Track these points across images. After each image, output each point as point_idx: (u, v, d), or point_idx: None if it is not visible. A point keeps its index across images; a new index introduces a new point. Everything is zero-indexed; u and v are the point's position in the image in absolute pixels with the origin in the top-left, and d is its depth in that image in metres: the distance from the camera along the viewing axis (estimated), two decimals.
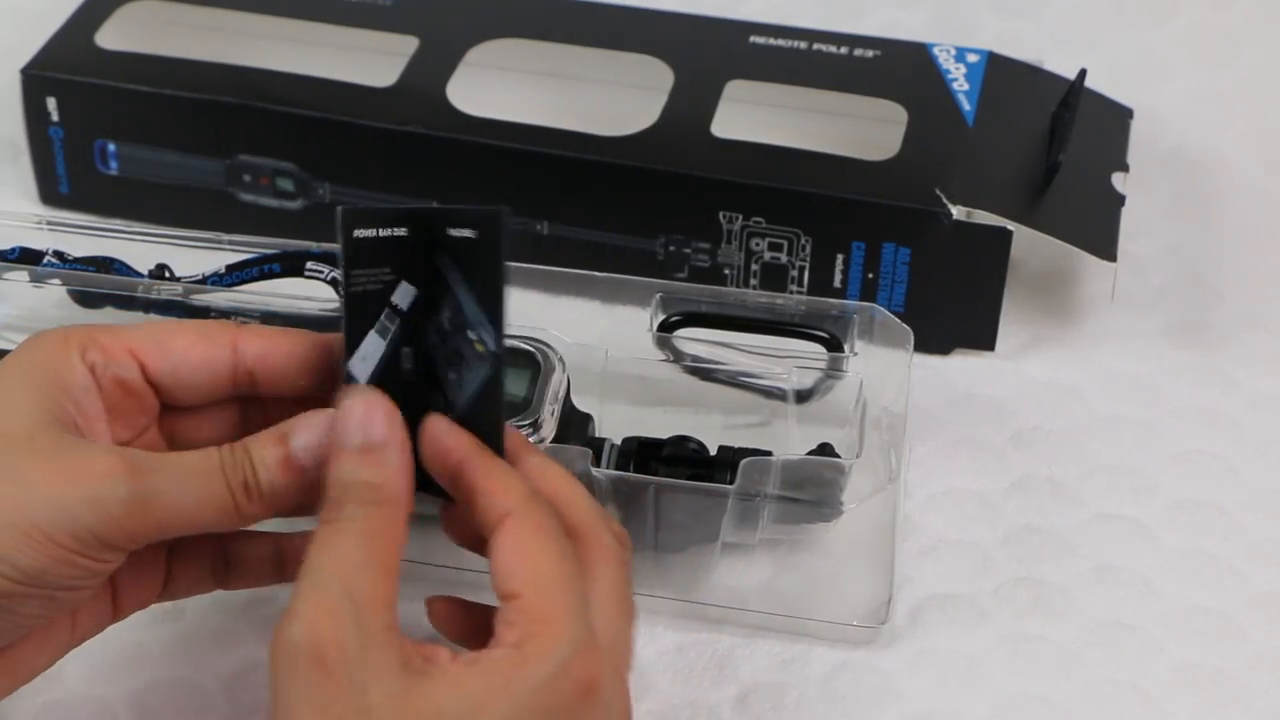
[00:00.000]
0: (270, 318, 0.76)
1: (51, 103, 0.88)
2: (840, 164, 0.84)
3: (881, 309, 0.76)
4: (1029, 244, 0.83)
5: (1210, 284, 0.88)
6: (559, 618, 0.56)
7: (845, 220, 0.83)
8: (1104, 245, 0.83)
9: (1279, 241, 0.90)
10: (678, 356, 0.77)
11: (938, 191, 0.81)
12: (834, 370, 0.76)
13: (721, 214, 0.83)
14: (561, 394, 0.72)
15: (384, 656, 0.54)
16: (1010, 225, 0.81)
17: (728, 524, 0.71)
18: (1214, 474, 0.79)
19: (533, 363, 0.72)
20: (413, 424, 0.59)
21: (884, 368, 0.75)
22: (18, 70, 0.88)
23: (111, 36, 0.90)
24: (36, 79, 0.88)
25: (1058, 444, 0.80)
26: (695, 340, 0.77)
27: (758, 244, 0.84)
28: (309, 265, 0.77)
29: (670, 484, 0.70)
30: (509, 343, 0.72)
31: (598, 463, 0.71)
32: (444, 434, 0.59)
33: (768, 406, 0.77)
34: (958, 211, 0.81)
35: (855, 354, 0.75)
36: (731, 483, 0.70)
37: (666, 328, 0.76)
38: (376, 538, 0.56)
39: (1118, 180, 0.86)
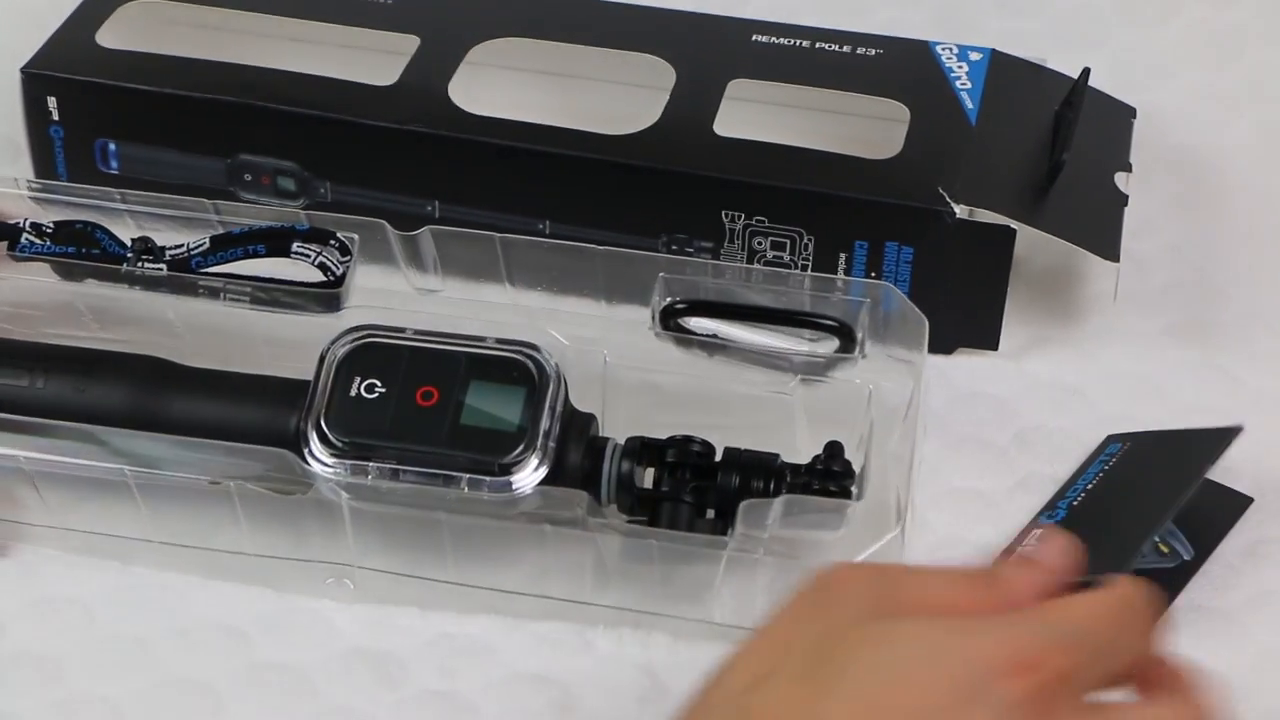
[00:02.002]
0: (261, 288, 0.75)
1: (52, 102, 0.88)
2: (843, 163, 0.83)
3: (893, 288, 0.74)
4: (1032, 243, 0.83)
5: (1214, 283, 0.88)
6: (1052, 621, 0.53)
7: (848, 219, 0.82)
8: (1107, 245, 0.82)
9: None
10: (681, 333, 0.75)
11: (940, 190, 0.81)
12: (843, 354, 0.74)
13: (724, 213, 0.83)
14: (560, 410, 0.70)
15: (876, 603, 0.54)
16: (1013, 224, 0.81)
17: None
18: None
19: (526, 377, 0.71)
20: None
21: (895, 380, 0.74)
22: (18, 69, 0.88)
23: (112, 35, 0.89)
24: (37, 78, 0.88)
25: (1061, 444, 0.80)
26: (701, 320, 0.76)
27: (760, 243, 0.83)
28: (295, 246, 0.75)
29: (669, 540, 0.69)
30: (499, 354, 0.71)
31: (597, 465, 0.71)
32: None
33: (774, 405, 0.76)
34: (960, 210, 0.81)
35: (864, 356, 0.74)
36: (736, 489, 0.70)
37: (671, 313, 0.75)
38: (960, 594, 0.55)
39: (1120, 180, 0.86)
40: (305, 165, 0.87)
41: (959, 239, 0.81)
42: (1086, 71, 0.88)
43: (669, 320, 0.75)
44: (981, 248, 0.81)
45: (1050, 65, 0.91)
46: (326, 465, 0.69)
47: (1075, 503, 0.76)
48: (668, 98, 0.87)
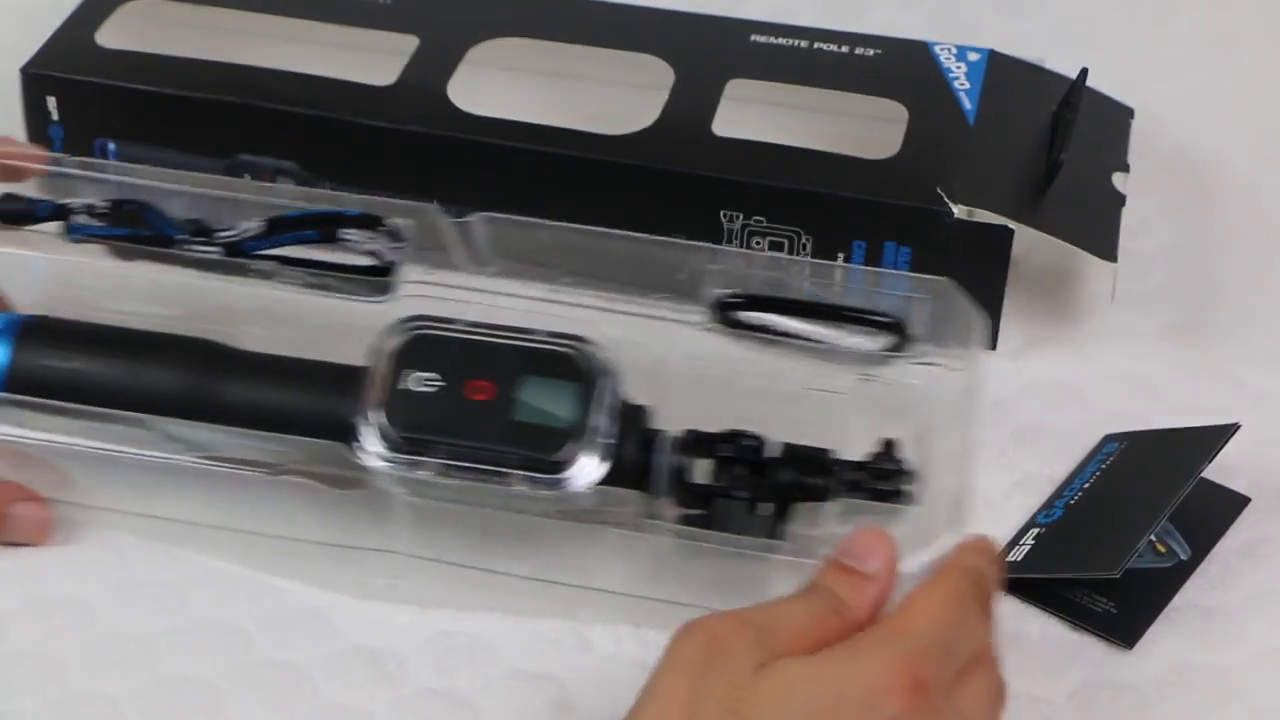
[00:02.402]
0: (313, 272, 0.74)
1: (52, 102, 0.88)
2: (841, 163, 0.84)
3: (952, 284, 0.72)
4: (1030, 243, 0.83)
5: (1211, 282, 0.88)
6: (908, 635, 0.60)
7: (846, 219, 0.82)
8: (1105, 245, 0.83)
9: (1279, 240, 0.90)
10: (735, 326, 0.74)
11: (939, 190, 0.81)
12: (898, 351, 0.73)
13: (722, 213, 0.83)
14: (613, 404, 0.70)
15: (760, 653, 0.60)
16: (1011, 224, 0.81)
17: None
18: None
19: (579, 372, 0.70)
20: None
21: (950, 378, 0.73)
22: (18, 69, 0.88)
23: (112, 35, 0.90)
24: (37, 78, 0.88)
25: (1058, 443, 0.80)
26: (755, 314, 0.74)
27: (758, 243, 0.84)
28: (346, 232, 0.74)
29: (723, 543, 0.69)
30: (551, 348, 0.71)
31: (651, 458, 0.70)
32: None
33: (828, 401, 0.74)
34: (959, 210, 0.81)
35: (920, 352, 0.72)
36: (790, 484, 0.69)
37: (725, 306, 0.74)
38: (818, 624, 0.62)
39: (1118, 180, 0.86)
40: (304, 165, 0.87)
41: (957, 239, 0.81)
42: (1084, 72, 0.88)
43: (723, 313, 0.74)
44: (980, 248, 0.81)
45: (1048, 66, 0.91)
46: (381, 459, 0.70)
47: (1072, 502, 0.76)
48: (666, 98, 0.87)
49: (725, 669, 0.59)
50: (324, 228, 0.74)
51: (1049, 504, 0.77)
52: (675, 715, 0.59)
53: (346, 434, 0.70)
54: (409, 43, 0.89)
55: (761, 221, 0.83)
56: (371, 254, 0.74)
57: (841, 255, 0.83)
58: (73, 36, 0.89)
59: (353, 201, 0.75)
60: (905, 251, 0.82)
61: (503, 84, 0.92)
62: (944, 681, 0.60)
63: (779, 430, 0.72)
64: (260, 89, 0.87)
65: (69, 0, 0.91)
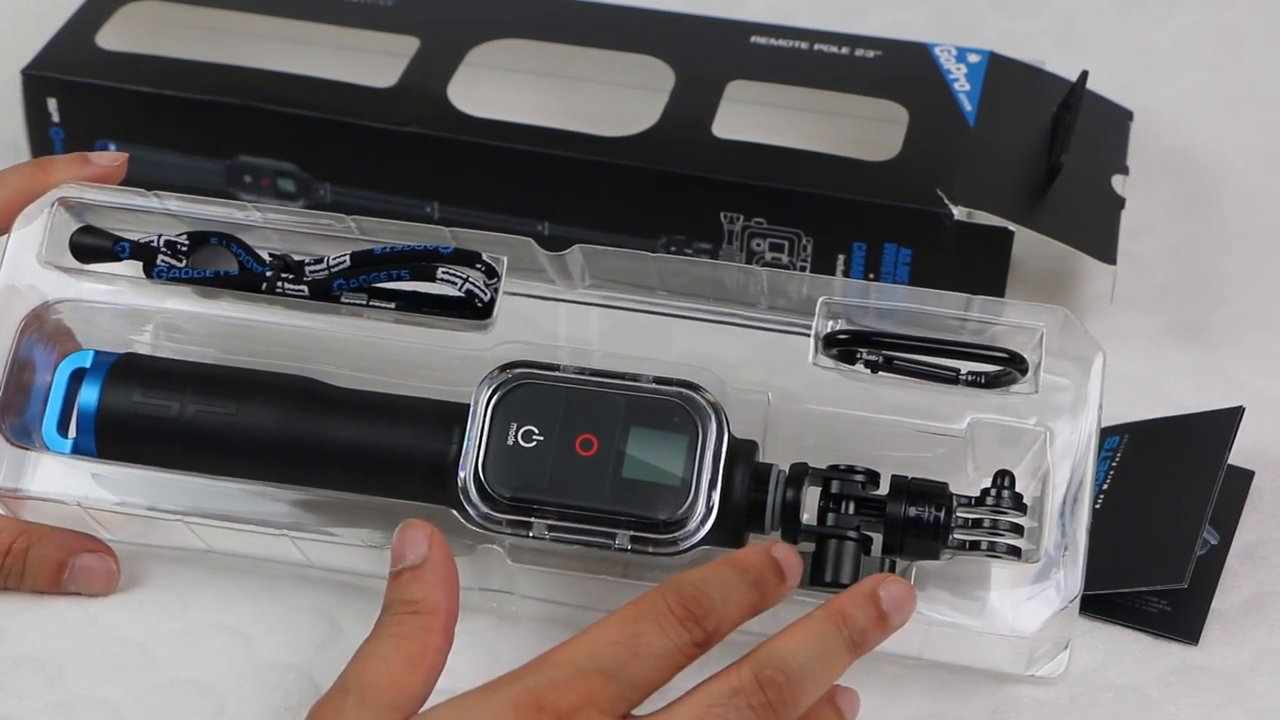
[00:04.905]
0: (412, 300, 0.71)
1: (52, 103, 0.88)
2: (841, 164, 0.84)
3: (1069, 314, 0.69)
4: (1030, 245, 0.83)
5: (1211, 284, 0.88)
6: (549, 665, 0.61)
7: (846, 221, 0.83)
8: (1104, 247, 0.83)
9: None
10: (841, 359, 0.70)
11: (939, 192, 0.81)
12: (1013, 388, 0.69)
13: (722, 214, 0.83)
14: (722, 452, 0.67)
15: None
16: (1011, 226, 0.81)
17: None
18: None
19: (687, 423, 0.68)
20: None
21: (1065, 419, 0.70)
22: (19, 71, 0.88)
23: (113, 37, 0.90)
24: (38, 80, 0.88)
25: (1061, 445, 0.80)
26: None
27: (759, 244, 0.84)
28: (441, 271, 0.70)
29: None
30: (658, 398, 0.68)
31: (761, 496, 0.68)
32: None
33: (941, 443, 0.71)
34: (959, 212, 0.81)
35: (1037, 391, 0.69)
36: (905, 520, 0.67)
37: (833, 342, 0.70)
38: (406, 640, 0.63)
39: (1117, 183, 0.86)
40: (305, 167, 0.87)
41: (957, 240, 0.81)
42: (1084, 74, 0.88)
43: (830, 349, 0.70)
44: (980, 249, 0.82)
45: (1048, 67, 0.91)
46: (488, 520, 0.68)
47: (1097, 506, 0.75)
48: (667, 99, 0.87)
49: None
50: (417, 265, 0.70)
51: None
52: None
53: (449, 476, 0.68)
54: (409, 44, 0.90)
55: (762, 223, 0.83)
56: (469, 294, 0.70)
57: (842, 257, 0.83)
58: (74, 38, 0.89)
59: (444, 234, 0.71)
60: (905, 253, 0.82)
61: (503, 85, 0.92)
62: (601, 703, 0.59)
63: (889, 469, 0.69)
64: (261, 91, 0.87)
65: (70, 2, 0.91)
